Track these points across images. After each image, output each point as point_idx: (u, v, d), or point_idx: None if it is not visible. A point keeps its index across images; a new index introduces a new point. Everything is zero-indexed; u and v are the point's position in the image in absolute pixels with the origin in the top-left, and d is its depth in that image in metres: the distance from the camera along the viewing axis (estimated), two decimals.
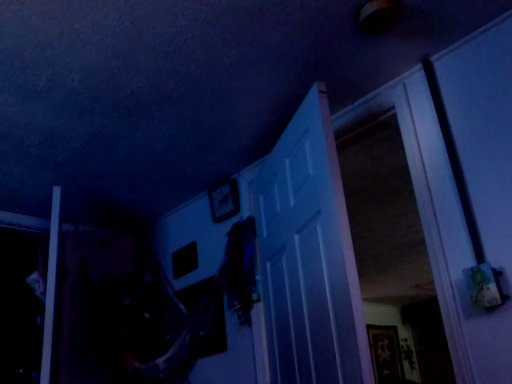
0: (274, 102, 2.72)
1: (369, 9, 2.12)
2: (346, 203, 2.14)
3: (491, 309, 2.09)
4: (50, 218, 2.98)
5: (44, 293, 3.08)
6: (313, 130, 2.37)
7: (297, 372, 2.49)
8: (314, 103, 2.35)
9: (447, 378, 6.59)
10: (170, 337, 3.51)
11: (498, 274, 2.08)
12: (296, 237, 2.55)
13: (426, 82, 2.51)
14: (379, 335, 7.91)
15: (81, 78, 2.39)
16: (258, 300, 3.04)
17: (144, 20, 2.09)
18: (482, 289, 2.08)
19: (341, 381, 2.06)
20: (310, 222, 2.38)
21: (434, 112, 2.45)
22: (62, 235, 3.47)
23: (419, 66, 2.55)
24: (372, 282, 6.81)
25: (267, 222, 2.98)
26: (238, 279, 3.15)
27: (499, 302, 2.04)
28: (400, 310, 8.50)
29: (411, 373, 8.07)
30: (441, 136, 2.41)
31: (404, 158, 2.58)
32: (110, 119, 2.74)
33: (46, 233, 3.11)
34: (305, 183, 2.46)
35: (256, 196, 3.18)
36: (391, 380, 7.68)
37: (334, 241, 2.14)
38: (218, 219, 3.51)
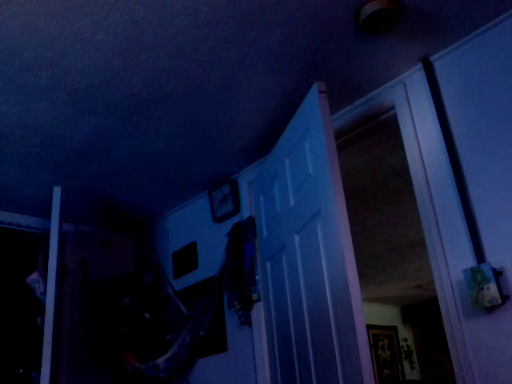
0: (274, 102, 2.73)
1: (369, 9, 2.12)
2: (346, 203, 2.14)
3: (491, 309, 2.09)
4: (50, 218, 2.98)
5: (44, 293, 3.08)
6: (313, 130, 2.37)
7: (297, 372, 2.49)
8: (314, 103, 2.35)
9: (447, 378, 6.59)
10: (170, 337, 3.51)
11: (498, 274, 2.08)
12: (296, 237, 2.55)
13: (426, 82, 2.51)
14: (379, 335, 7.91)
15: (81, 78, 2.39)
16: (258, 300, 3.04)
17: (144, 20, 2.09)
18: (482, 289, 2.08)
19: (341, 381, 2.06)
20: (310, 222, 2.38)
21: (434, 112, 2.45)
22: (62, 235, 3.47)
23: (419, 65, 2.55)
24: (372, 282, 6.81)
25: (267, 222, 2.98)
26: (238, 279, 3.15)
27: (499, 301, 2.04)
28: (400, 310, 8.49)
29: (411, 373, 8.06)
30: (441, 136, 2.41)
31: (404, 158, 2.58)
32: (109, 119, 2.74)
33: (46, 233, 3.11)
34: (305, 183, 2.46)
35: (256, 196, 3.18)
36: (392, 380, 7.68)
37: (333, 241, 2.14)
38: (218, 219, 3.51)
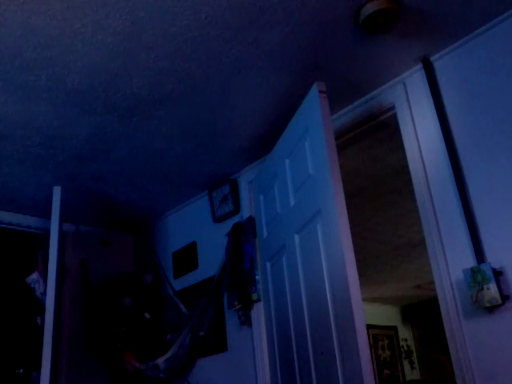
0: (274, 102, 2.73)
1: (369, 9, 2.12)
2: (346, 203, 2.14)
3: (491, 309, 2.09)
4: (50, 218, 2.98)
5: (44, 293, 3.08)
6: (313, 130, 2.37)
7: (297, 372, 2.49)
8: (314, 103, 2.35)
9: (447, 378, 6.59)
10: (170, 337, 3.51)
11: (498, 274, 2.08)
12: (296, 237, 2.55)
13: (426, 82, 2.51)
14: (379, 335, 7.91)
15: (81, 78, 2.39)
16: (258, 300, 3.04)
17: (144, 20, 2.09)
18: (482, 289, 2.08)
19: (341, 381, 2.06)
20: (310, 222, 2.38)
21: (434, 112, 2.45)
22: (62, 235, 3.47)
23: (419, 66, 2.55)
24: (372, 282, 6.81)
25: (267, 222, 2.98)
26: (238, 279, 3.15)
27: (499, 301, 2.04)
28: (400, 310, 8.49)
29: (411, 373, 8.06)
30: (441, 136, 2.41)
31: (404, 158, 2.58)
32: (110, 119, 2.74)
33: (46, 233, 3.11)
34: (305, 183, 2.46)
35: (256, 196, 3.18)
36: (392, 380, 7.68)
37: (333, 241, 2.14)
38: (218, 219, 3.51)
